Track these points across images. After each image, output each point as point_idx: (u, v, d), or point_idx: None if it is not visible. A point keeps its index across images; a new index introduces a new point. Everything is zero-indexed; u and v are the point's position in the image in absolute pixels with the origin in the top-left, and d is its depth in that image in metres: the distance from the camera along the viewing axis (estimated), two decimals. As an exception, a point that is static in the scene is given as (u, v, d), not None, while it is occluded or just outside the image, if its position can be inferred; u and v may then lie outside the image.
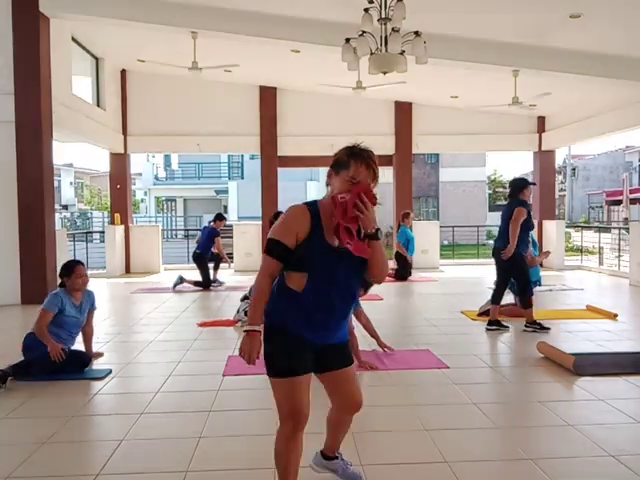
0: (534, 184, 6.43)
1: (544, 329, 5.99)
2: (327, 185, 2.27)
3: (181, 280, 9.78)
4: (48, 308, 4.49)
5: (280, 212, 8.59)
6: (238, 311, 6.80)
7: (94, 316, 4.94)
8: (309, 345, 2.26)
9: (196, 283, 9.81)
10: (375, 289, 9.55)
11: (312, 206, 2.23)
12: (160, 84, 12.37)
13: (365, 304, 7.84)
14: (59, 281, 4.76)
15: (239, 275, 11.76)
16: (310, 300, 2.19)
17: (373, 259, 2.21)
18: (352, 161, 2.15)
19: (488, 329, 6.12)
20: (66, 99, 9.36)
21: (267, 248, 2.20)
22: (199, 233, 10.83)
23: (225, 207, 30.15)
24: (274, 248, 2.18)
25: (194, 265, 10.21)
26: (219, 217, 10.19)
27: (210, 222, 10.23)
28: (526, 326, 6.06)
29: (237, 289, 9.19)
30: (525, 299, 6.11)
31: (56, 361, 4.36)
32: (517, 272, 6.10)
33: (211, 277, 10.04)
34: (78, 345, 4.84)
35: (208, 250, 9.99)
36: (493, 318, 6.19)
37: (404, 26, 6.07)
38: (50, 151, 8.52)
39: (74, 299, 4.64)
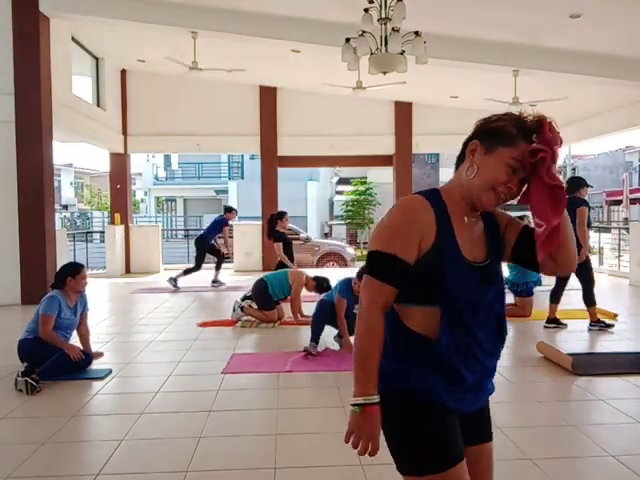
0: (591, 186, 6.54)
1: (609, 326, 6.13)
2: (458, 165, 1.52)
3: (174, 281, 9.71)
4: (50, 312, 4.46)
5: (282, 212, 8.57)
6: (234, 309, 6.78)
7: (87, 317, 4.92)
8: (453, 414, 1.47)
9: (186, 271, 9.77)
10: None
11: (434, 198, 1.45)
12: (160, 84, 12.37)
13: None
14: (52, 281, 4.73)
15: (239, 275, 11.76)
16: (450, 350, 1.41)
17: (561, 232, 1.44)
18: (522, 138, 1.43)
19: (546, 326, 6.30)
20: (66, 99, 9.36)
21: (372, 266, 1.40)
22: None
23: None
24: (386, 266, 1.37)
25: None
26: (229, 209, 10.18)
27: (221, 215, 10.22)
28: (591, 325, 6.20)
29: (237, 289, 9.18)
30: (590, 298, 6.16)
31: (77, 361, 4.39)
32: (584, 271, 6.08)
33: (214, 277, 10.05)
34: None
35: (211, 235, 9.95)
36: (552, 316, 6.37)
37: (404, 26, 6.07)
38: (50, 151, 8.52)
39: (69, 301, 4.62)
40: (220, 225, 10.01)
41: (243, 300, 6.81)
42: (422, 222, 1.39)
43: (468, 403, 1.49)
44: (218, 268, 10.16)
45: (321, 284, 6.22)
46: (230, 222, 10.22)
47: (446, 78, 10.41)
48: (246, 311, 6.68)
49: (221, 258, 10.22)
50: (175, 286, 9.68)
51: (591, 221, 6.29)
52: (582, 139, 12.69)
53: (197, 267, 9.82)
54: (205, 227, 10.47)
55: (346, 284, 5.14)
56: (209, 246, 9.99)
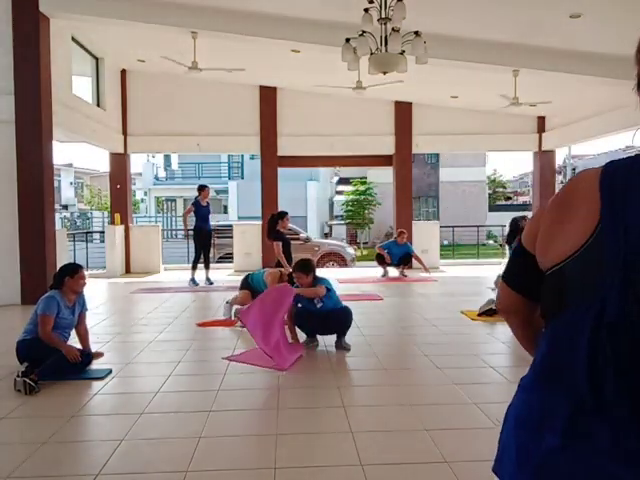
0: None
1: None
2: None
3: (193, 281, 9.99)
4: (49, 312, 4.46)
5: (283, 212, 8.60)
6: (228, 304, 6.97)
7: (86, 316, 4.93)
8: None
9: (193, 266, 10.06)
10: (375, 289, 9.60)
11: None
12: (160, 84, 12.37)
13: (365, 304, 7.85)
14: (51, 282, 4.73)
15: (239, 275, 11.75)
16: None
17: None
18: None
19: None
20: (66, 99, 9.36)
21: None
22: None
23: (225, 207, 30.17)
24: None
25: (191, 265, 10.33)
26: (200, 188, 10.24)
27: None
28: None
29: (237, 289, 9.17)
30: None
31: (75, 362, 4.38)
32: None
33: (206, 275, 10.15)
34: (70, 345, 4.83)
35: (197, 223, 10.03)
36: None
37: (404, 26, 6.07)
38: (50, 151, 8.52)
39: (67, 301, 4.62)
40: (193, 206, 10.08)
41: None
42: None
43: None
44: (207, 267, 10.20)
45: (291, 279, 6.55)
46: (203, 203, 10.07)
47: (446, 78, 10.41)
48: (232, 301, 6.91)
49: (207, 255, 10.23)
50: (196, 284, 9.88)
51: None
52: (582, 139, 12.71)
53: (196, 256, 10.03)
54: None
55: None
56: (204, 234, 10.03)
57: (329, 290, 5.28)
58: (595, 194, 0.93)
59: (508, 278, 1.18)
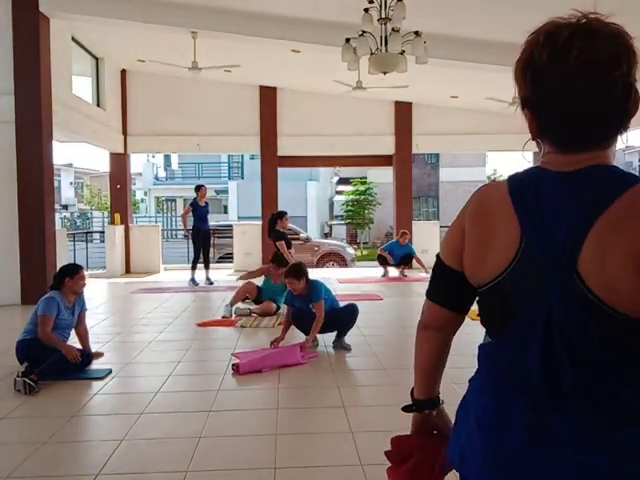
0: None
1: None
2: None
3: (192, 281, 9.98)
4: (49, 313, 4.46)
5: (282, 212, 8.63)
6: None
7: (85, 317, 4.94)
8: None
9: (192, 267, 10.05)
10: (375, 289, 9.59)
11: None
12: (160, 84, 12.37)
13: (365, 304, 7.84)
14: (51, 282, 4.74)
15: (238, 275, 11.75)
16: None
17: None
18: None
19: None
20: (66, 99, 9.36)
21: None
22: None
23: (225, 207, 30.17)
24: None
25: (191, 265, 10.34)
26: (197, 188, 10.24)
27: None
28: None
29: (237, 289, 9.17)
30: None
31: (75, 362, 4.38)
32: None
33: (206, 275, 10.14)
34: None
35: (197, 223, 10.01)
36: None
37: (404, 26, 6.07)
38: (50, 151, 8.52)
39: (67, 302, 4.63)
40: (191, 206, 10.10)
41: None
42: None
43: None
44: (207, 267, 10.19)
45: (279, 261, 7.12)
46: (201, 203, 10.06)
47: (446, 78, 10.41)
48: (233, 300, 7.12)
49: (206, 255, 10.24)
50: (196, 284, 9.87)
51: None
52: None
53: (195, 256, 10.02)
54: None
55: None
56: (202, 234, 10.03)
57: (326, 300, 5.28)
58: (509, 208, 0.99)
59: (433, 295, 1.19)
